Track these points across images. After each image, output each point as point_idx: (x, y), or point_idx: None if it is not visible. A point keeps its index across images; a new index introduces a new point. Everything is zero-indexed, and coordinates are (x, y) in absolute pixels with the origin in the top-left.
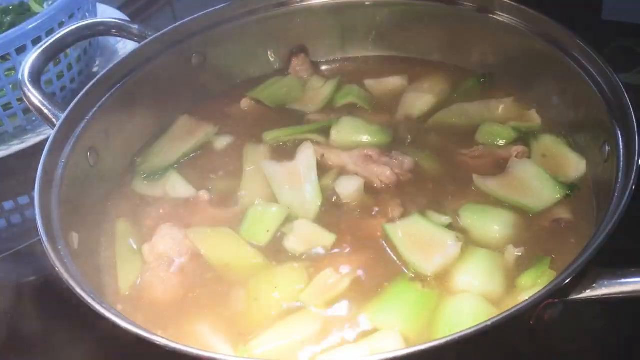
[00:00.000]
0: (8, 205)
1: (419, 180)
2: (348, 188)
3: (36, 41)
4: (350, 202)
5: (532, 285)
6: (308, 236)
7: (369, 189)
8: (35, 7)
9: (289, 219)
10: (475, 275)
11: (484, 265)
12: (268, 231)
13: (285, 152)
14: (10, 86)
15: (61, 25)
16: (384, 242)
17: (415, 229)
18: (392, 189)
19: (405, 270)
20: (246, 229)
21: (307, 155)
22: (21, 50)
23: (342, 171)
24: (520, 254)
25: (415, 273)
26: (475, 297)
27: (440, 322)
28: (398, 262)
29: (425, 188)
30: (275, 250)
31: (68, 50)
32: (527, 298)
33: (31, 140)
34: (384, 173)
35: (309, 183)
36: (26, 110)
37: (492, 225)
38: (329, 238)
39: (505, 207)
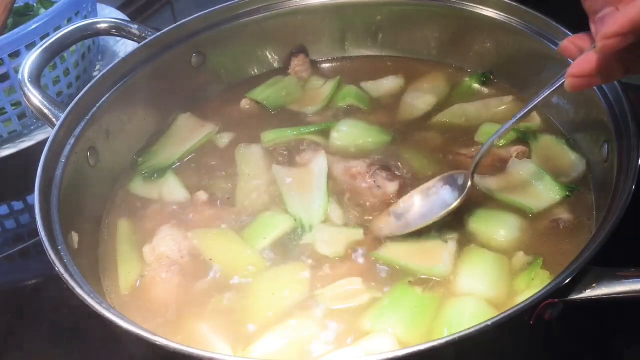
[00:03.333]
0: (2, 210)
1: (419, 181)
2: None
3: (30, 46)
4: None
5: (526, 287)
6: (335, 237)
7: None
8: (41, 10)
9: (297, 229)
10: (478, 279)
11: (487, 269)
12: (265, 238)
13: (282, 153)
14: (4, 91)
15: (57, 29)
16: None
17: (401, 245)
18: (400, 187)
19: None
20: (247, 232)
21: (320, 164)
22: (15, 56)
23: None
24: (530, 260)
25: (430, 278)
26: (477, 300)
27: (441, 325)
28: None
29: None
30: (276, 253)
31: (65, 55)
32: (524, 299)
33: (26, 144)
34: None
35: (318, 190)
36: (21, 115)
37: (499, 229)
38: (356, 233)
39: (511, 211)
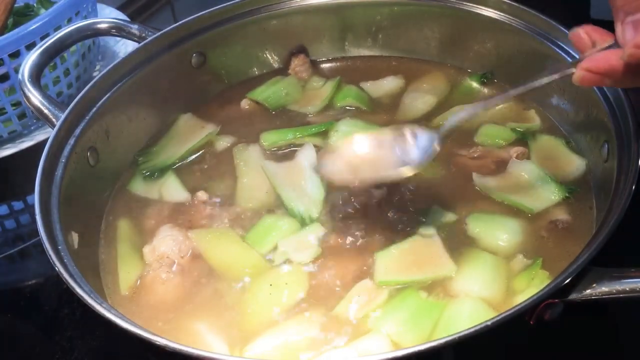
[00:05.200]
0: (2, 210)
1: (418, 181)
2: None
3: (30, 46)
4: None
5: (525, 287)
6: (301, 243)
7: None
8: (41, 10)
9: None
10: (476, 280)
11: (486, 271)
12: (268, 241)
13: (280, 153)
14: (4, 91)
15: (57, 29)
16: None
17: (390, 256)
18: (386, 194)
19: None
20: (251, 235)
21: (308, 155)
22: (15, 56)
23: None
24: (530, 262)
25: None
26: (475, 301)
27: (438, 327)
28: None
29: (423, 189)
30: (276, 254)
31: (65, 55)
32: (523, 300)
33: (26, 144)
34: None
35: (311, 181)
36: (21, 115)
37: (499, 231)
38: (316, 228)
39: (510, 211)
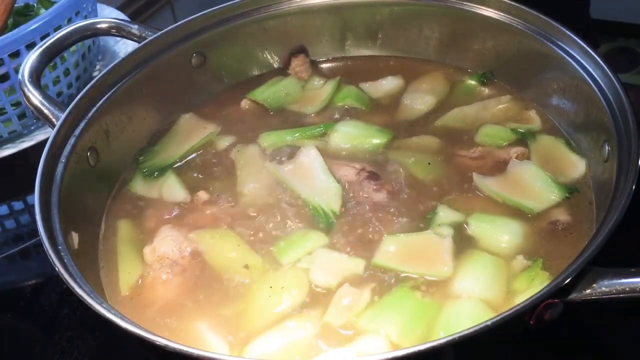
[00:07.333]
0: (2, 210)
1: (418, 183)
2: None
3: (30, 46)
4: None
5: (526, 288)
6: (332, 266)
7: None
8: (41, 10)
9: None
10: (476, 281)
11: (486, 272)
12: (296, 254)
13: (281, 154)
14: (4, 91)
15: (57, 29)
16: None
17: (397, 244)
18: (386, 197)
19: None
20: (279, 249)
21: (313, 154)
22: (15, 56)
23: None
24: (530, 264)
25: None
26: (475, 302)
27: (437, 327)
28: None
29: (424, 191)
30: (303, 261)
31: (65, 55)
32: (523, 299)
33: (26, 144)
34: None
35: (322, 178)
36: (21, 115)
37: (499, 233)
38: (357, 263)
39: (511, 212)
